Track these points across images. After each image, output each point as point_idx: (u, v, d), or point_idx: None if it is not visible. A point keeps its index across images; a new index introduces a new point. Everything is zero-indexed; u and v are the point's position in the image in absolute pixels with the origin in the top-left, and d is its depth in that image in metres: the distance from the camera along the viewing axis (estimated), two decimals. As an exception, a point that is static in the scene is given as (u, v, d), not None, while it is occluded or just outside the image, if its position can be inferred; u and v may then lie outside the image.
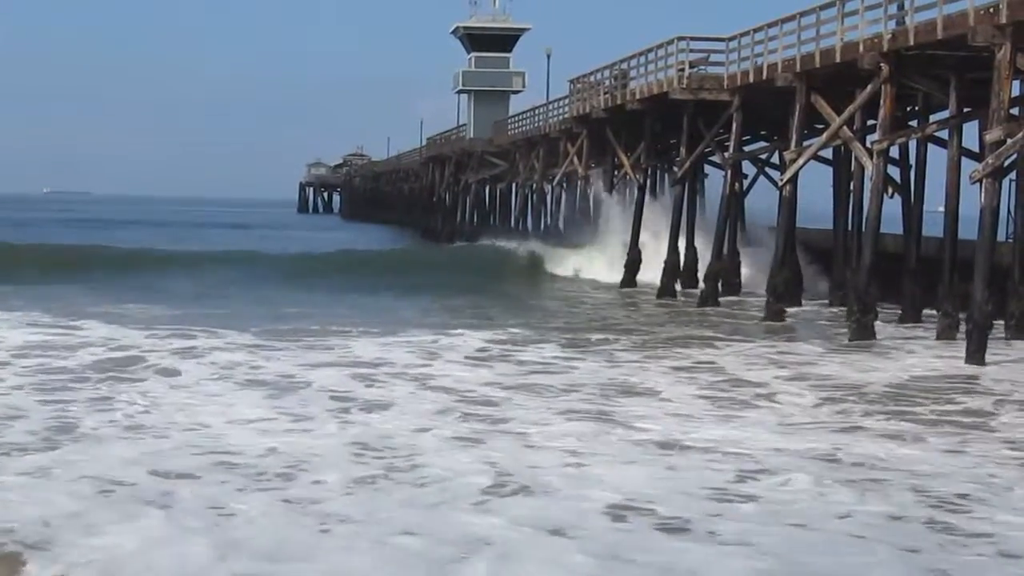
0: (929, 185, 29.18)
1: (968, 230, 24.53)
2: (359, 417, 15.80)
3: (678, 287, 36.34)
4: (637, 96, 37.98)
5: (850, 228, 32.42)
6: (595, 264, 42.55)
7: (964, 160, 26.06)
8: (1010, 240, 26.55)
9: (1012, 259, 25.39)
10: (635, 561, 9.81)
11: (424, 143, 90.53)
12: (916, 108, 30.15)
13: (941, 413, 16.86)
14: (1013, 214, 26.51)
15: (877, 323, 25.77)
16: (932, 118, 28.87)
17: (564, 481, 12.39)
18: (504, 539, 10.30)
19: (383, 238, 78.86)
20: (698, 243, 37.34)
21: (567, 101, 48.06)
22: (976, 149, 26.27)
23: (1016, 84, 24.15)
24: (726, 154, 34.67)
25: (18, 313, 26.94)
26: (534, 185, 57.78)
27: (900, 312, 28.65)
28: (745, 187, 38.42)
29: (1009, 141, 22.07)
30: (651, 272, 37.43)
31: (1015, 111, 24.42)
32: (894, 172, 29.43)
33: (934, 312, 26.66)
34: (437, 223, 76.87)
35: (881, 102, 25.91)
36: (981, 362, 21.39)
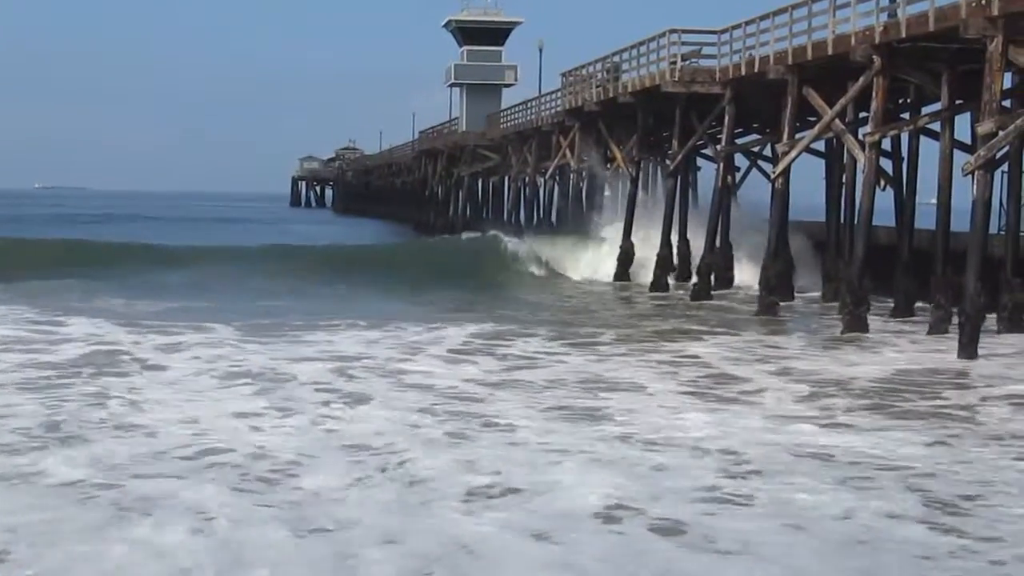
0: (921, 177, 29.23)
1: (960, 222, 24.53)
2: (343, 414, 15.57)
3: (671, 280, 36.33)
4: (629, 89, 37.94)
5: (842, 221, 32.44)
6: (590, 257, 42.28)
7: (956, 152, 26.04)
8: (1002, 232, 26.56)
9: (1004, 251, 25.40)
10: (629, 570, 9.51)
11: (416, 137, 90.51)
12: (908, 100, 30.14)
13: (931, 408, 16.74)
14: (1005, 206, 26.52)
15: (869, 316, 25.77)
16: (924, 110, 28.86)
17: (550, 481, 12.12)
18: (488, 547, 9.98)
19: (375, 232, 78.72)
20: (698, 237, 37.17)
21: (559, 94, 48.03)
22: (968, 141, 26.23)
23: (1008, 76, 24.15)
24: (718, 147, 34.65)
25: (2, 308, 26.92)
26: (527, 178, 57.74)
27: (892, 305, 28.66)
28: (737, 180, 38.41)
29: (1001, 133, 22.07)
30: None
31: (1007, 103, 24.43)
32: (886, 164, 29.43)
33: (926, 305, 26.67)
34: (430, 217, 76.84)
35: (873, 94, 25.89)
36: (973, 355, 21.37)
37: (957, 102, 26.36)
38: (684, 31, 35.03)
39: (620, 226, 39.87)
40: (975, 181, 22.28)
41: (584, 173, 47.19)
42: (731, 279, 35.61)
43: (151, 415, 15.31)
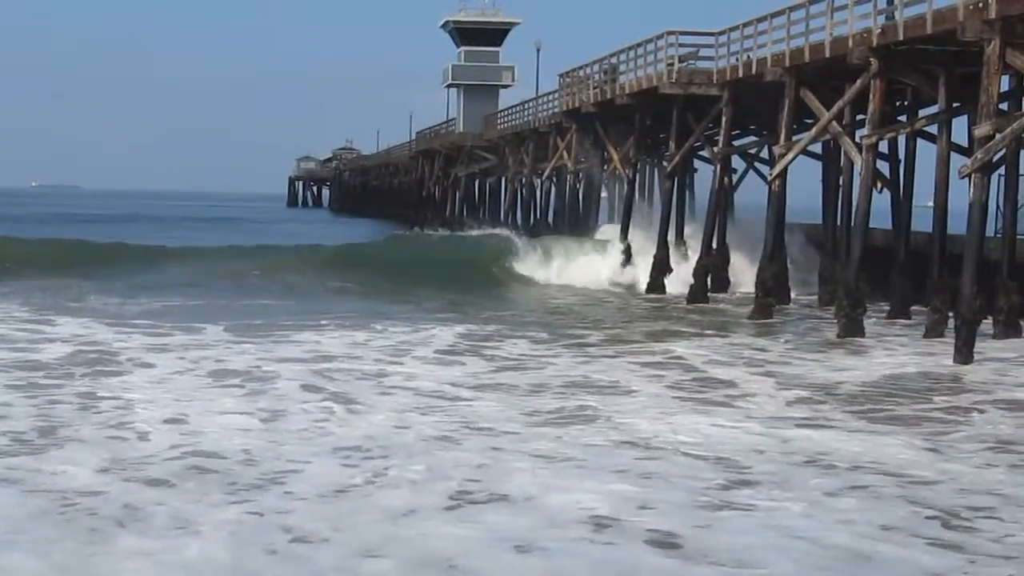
0: (918, 180, 29.21)
1: (957, 225, 24.51)
2: (328, 417, 15.42)
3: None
4: (627, 90, 37.92)
5: (839, 223, 32.40)
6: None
7: (953, 155, 26.05)
8: (998, 235, 26.55)
9: (1001, 254, 25.38)
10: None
11: (414, 137, 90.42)
12: (905, 103, 30.13)
13: (925, 413, 16.63)
14: (1002, 209, 26.51)
15: (865, 319, 25.71)
16: (921, 113, 28.85)
17: (537, 487, 11.89)
18: (471, 560, 9.73)
19: (371, 233, 78.52)
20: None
21: (557, 95, 48.00)
22: (965, 144, 26.23)
23: (1005, 79, 24.14)
24: (715, 148, 34.63)
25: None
26: (523, 179, 57.71)
27: (888, 308, 28.65)
28: (734, 182, 38.39)
29: (998, 136, 22.05)
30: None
31: (1004, 106, 24.42)
32: (883, 167, 29.42)
33: (922, 308, 26.64)
34: (426, 217, 76.77)
35: (870, 97, 25.87)
36: (969, 359, 21.33)
37: (954, 105, 26.36)
38: (682, 33, 35.02)
39: (614, 228, 39.72)
40: (972, 184, 22.26)
41: (581, 175, 47.13)
42: (727, 280, 35.53)
43: (133, 416, 15.13)
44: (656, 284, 35.79)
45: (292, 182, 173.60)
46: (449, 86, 73.93)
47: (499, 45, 71.43)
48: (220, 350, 21.28)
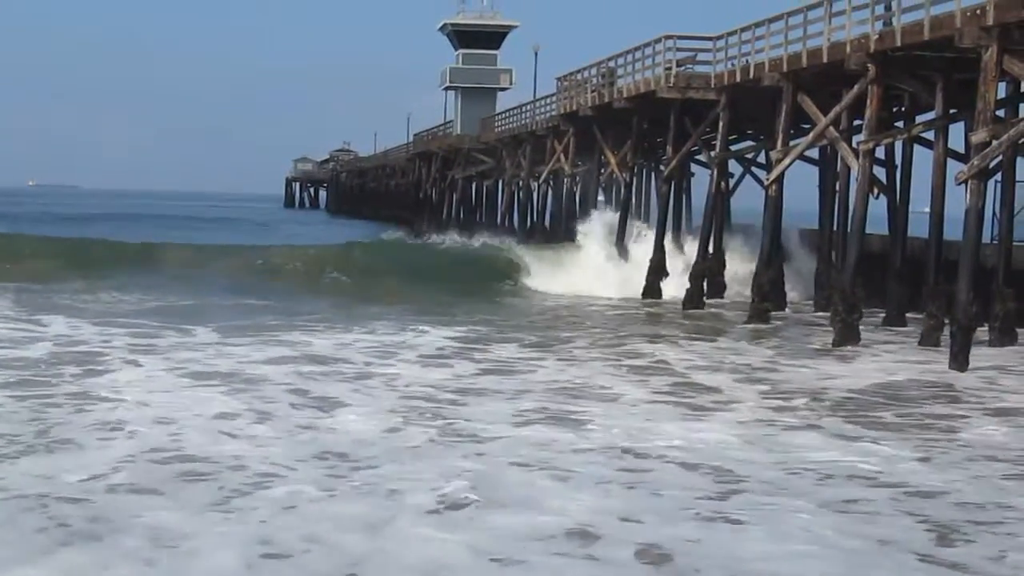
0: (915, 186, 29.22)
1: (953, 231, 24.53)
2: (314, 420, 15.32)
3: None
4: (624, 94, 37.93)
5: (836, 228, 32.43)
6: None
7: (950, 161, 26.07)
8: (995, 242, 26.57)
9: (997, 261, 25.40)
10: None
11: (411, 139, 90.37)
12: (902, 109, 30.16)
13: (920, 421, 16.58)
14: (998, 215, 26.53)
15: (860, 326, 25.69)
16: (918, 119, 28.87)
17: (521, 497, 11.70)
18: (452, 573, 9.52)
19: (367, 235, 78.35)
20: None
21: (554, 98, 48.00)
22: (962, 150, 26.28)
23: (1002, 86, 24.16)
24: (712, 153, 34.66)
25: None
26: (520, 182, 57.70)
27: (884, 314, 28.66)
28: (731, 186, 38.43)
29: (994, 143, 22.06)
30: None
31: (1001, 113, 24.44)
32: (880, 173, 29.44)
33: (918, 314, 26.65)
34: (423, 220, 76.71)
35: (867, 102, 25.89)
36: (964, 365, 21.33)
37: (951, 111, 26.39)
38: (680, 37, 35.00)
39: (601, 232, 39.64)
40: (968, 190, 22.28)
41: (578, 178, 47.11)
42: (723, 285, 35.51)
43: (116, 416, 15.05)
44: (652, 288, 35.78)
45: (289, 183, 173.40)
46: (447, 88, 73.93)
47: (497, 48, 71.43)
48: (209, 351, 21.26)
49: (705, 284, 33.68)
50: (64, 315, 25.76)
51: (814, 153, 33.36)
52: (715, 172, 34.35)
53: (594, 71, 42.11)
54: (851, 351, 23.88)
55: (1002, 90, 24.42)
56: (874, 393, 18.82)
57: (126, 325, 24.50)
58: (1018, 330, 24.74)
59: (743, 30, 31.28)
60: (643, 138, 40.87)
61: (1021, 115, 25.56)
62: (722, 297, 34.76)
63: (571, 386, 18.73)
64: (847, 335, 25.04)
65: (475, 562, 9.83)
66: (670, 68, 34.38)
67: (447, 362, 21.06)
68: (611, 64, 40.11)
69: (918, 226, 29.15)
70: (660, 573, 9.75)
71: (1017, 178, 26.18)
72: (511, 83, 70.80)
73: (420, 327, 25.78)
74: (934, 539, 10.78)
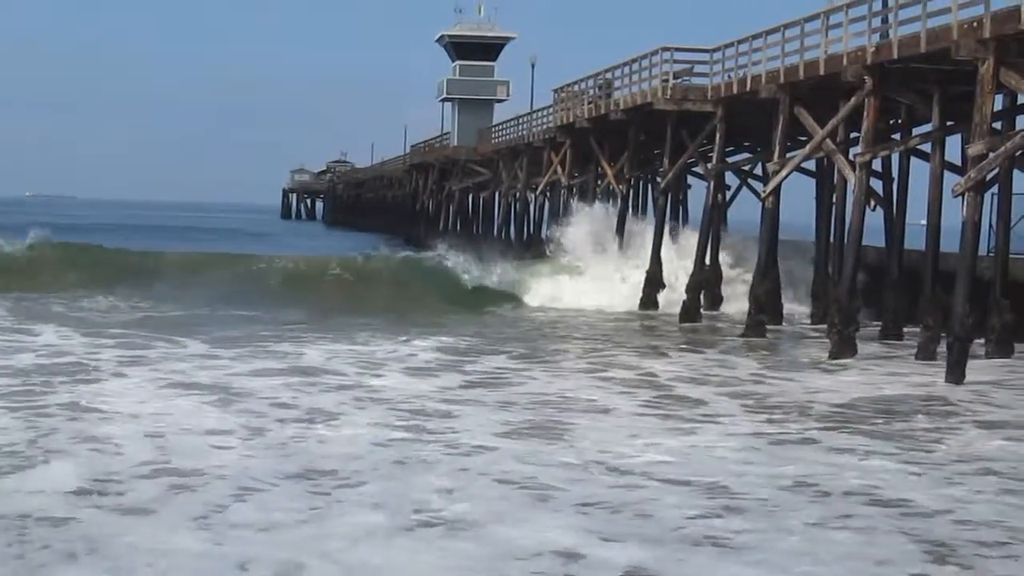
0: (912, 198, 29.19)
1: (950, 243, 24.47)
2: (302, 433, 15.19)
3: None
4: (621, 106, 37.90)
5: (832, 240, 32.38)
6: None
7: (947, 173, 26.03)
8: (991, 254, 26.52)
9: (993, 273, 25.34)
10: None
11: (408, 150, 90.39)
12: (899, 121, 30.11)
13: (917, 434, 16.43)
14: (995, 228, 26.48)
15: (857, 339, 25.57)
16: (915, 131, 28.82)
17: (505, 513, 11.42)
18: None
19: (364, 246, 78.26)
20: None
21: (551, 110, 47.99)
22: (959, 163, 26.25)
23: (999, 98, 24.12)
24: (709, 165, 34.62)
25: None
26: (517, 194, 57.67)
27: (880, 327, 28.58)
28: (728, 198, 38.39)
29: (991, 155, 22.02)
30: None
31: (997, 125, 24.40)
32: (877, 185, 29.40)
33: (915, 328, 26.57)
34: (420, 231, 76.67)
35: (864, 115, 25.85)
36: (960, 377, 21.24)
37: (948, 123, 26.36)
38: (676, 49, 35.01)
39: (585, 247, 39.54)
40: (965, 202, 22.23)
41: (575, 190, 47.04)
42: (720, 297, 35.45)
43: (103, 430, 14.89)
44: (649, 300, 35.70)
45: (286, 194, 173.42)
46: (444, 100, 73.96)
47: (494, 59, 71.47)
48: (199, 361, 21.19)
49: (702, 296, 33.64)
50: (57, 324, 25.69)
51: (811, 165, 33.34)
52: (712, 184, 34.31)
53: (591, 83, 42.11)
54: (852, 366, 23.73)
55: (999, 102, 24.38)
56: (871, 405, 18.68)
57: (118, 336, 24.43)
58: (1015, 343, 24.66)
59: (740, 42, 31.28)
60: (640, 150, 40.84)
61: (1018, 128, 25.51)
62: (718, 309, 34.71)
63: (561, 399, 18.54)
64: (844, 347, 24.96)
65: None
66: (667, 80, 34.37)
67: (435, 373, 20.99)
68: (608, 76, 40.10)
69: (915, 238, 29.11)
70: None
71: (1014, 190, 26.13)
72: (508, 95, 70.85)
73: (410, 338, 25.76)
74: (931, 559, 10.51)
